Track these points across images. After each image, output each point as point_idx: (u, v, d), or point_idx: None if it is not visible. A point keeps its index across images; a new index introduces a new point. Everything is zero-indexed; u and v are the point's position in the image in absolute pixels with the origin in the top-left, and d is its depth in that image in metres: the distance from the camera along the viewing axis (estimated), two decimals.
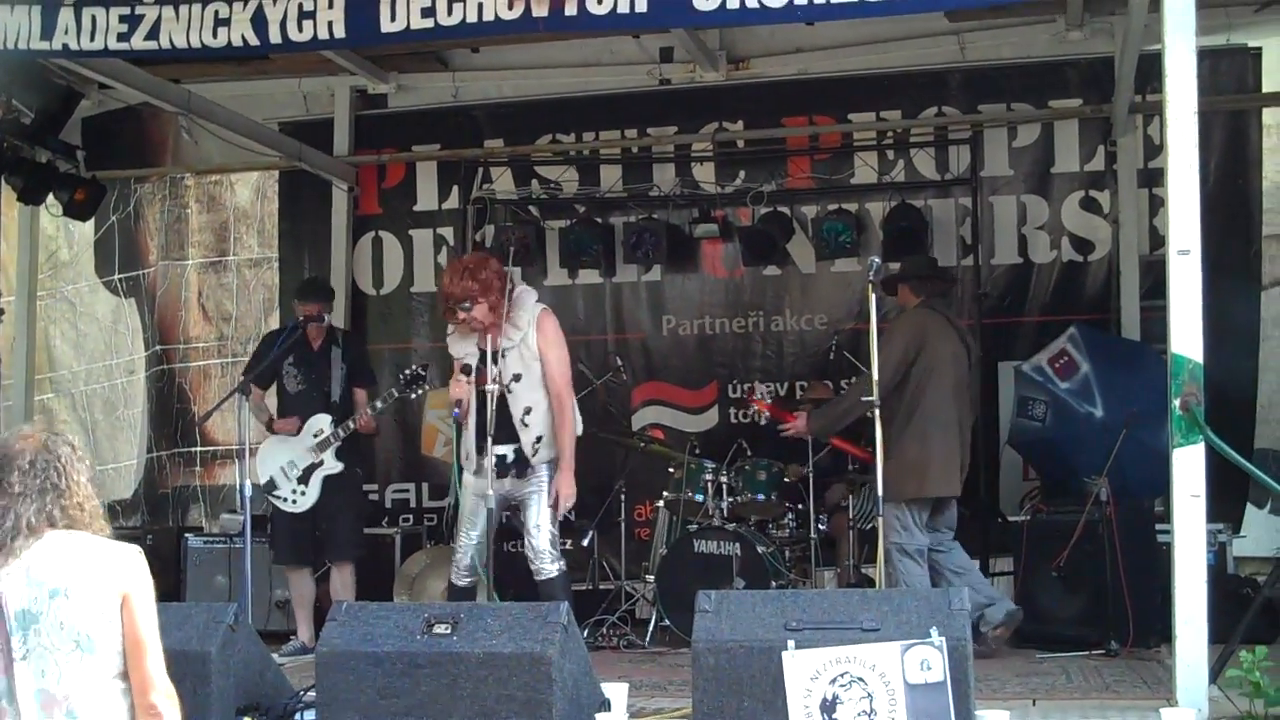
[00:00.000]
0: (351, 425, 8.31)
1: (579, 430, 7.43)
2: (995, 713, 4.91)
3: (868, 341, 6.77)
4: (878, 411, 6.79)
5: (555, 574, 7.20)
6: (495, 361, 7.12)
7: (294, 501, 8.35)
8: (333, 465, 8.32)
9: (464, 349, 7.30)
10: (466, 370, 7.17)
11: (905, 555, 7.65)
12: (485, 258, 7.37)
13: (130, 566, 3.62)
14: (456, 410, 7.24)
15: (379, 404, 8.38)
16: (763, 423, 8.60)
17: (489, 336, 7.16)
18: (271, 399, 8.66)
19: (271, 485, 8.36)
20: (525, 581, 7.46)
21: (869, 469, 7.74)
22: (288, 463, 8.35)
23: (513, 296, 7.30)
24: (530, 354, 7.23)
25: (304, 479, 8.32)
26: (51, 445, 3.68)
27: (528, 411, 7.21)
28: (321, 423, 8.35)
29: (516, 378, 7.17)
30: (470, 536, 7.25)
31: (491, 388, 7.07)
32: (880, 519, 6.75)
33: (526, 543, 7.31)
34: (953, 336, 7.98)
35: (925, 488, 7.69)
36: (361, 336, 9.30)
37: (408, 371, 8.16)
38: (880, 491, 6.63)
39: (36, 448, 3.67)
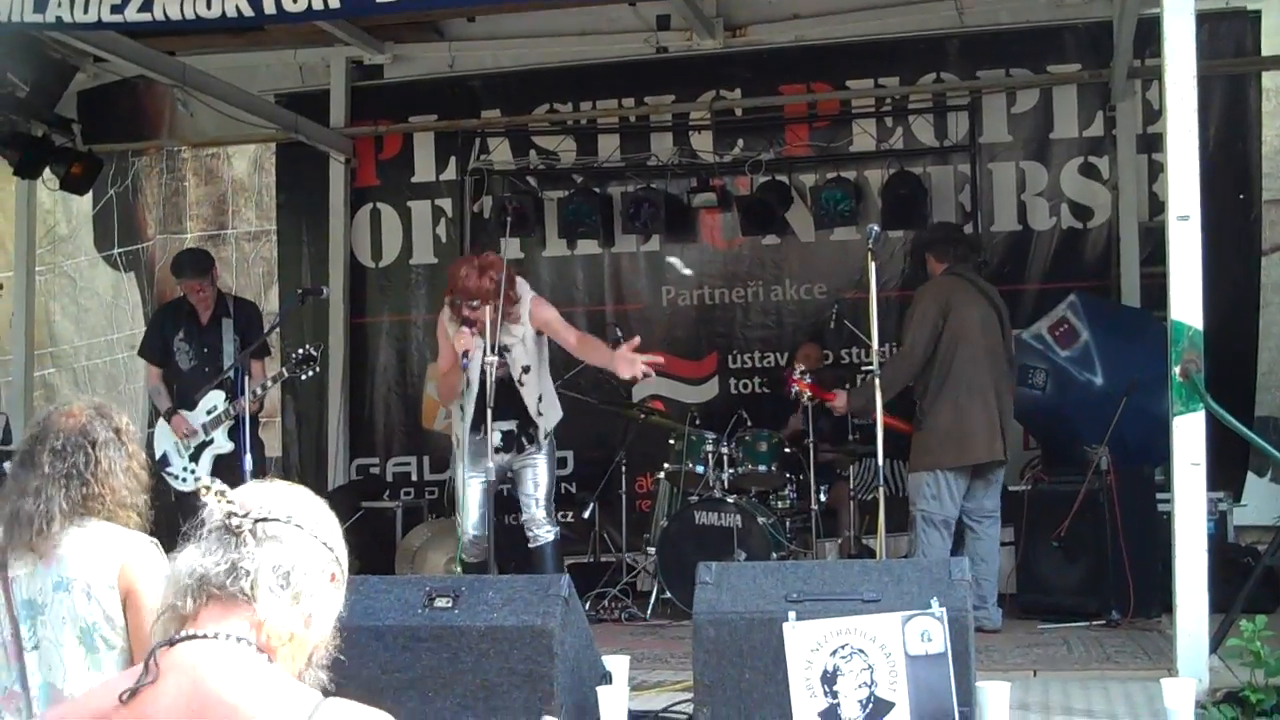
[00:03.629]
0: (234, 410, 7.98)
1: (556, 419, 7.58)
2: (996, 683, 4.90)
3: (867, 310, 6.75)
4: (877, 380, 6.79)
5: (548, 539, 7.35)
6: (498, 353, 7.18)
7: (184, 480, 8.13)
8: (223, 444, 8.06)
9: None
10: (468, 323, 7.22)
11: (930, 524, 7.63)
12: (499, 259, 7.35)
13: (140, 561, 3.49)
14: (466, 360, 7.25)
15: (266, 384, 8.17)
16: (806, 402, 8.44)
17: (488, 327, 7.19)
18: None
19: (164, 461, 8.17)
20: (526, 554, 7.54)
21: (872, 439, 7.78)
22: (181, 440, 8.17)
23: (515, 286, 7.33)
24: (533, 342, 7.32)
25: (194, 457, 8.13)
26: (89, 429, 3.56)
27: (526, 370, 7.32)
28: (215, 399, 8.08)
29: (526, 369, 7.30)
30: (468, 526, 7.33)
31: (490, 363, 7.08)
32: (903, 486, 6.72)
33: (524, 511, 7.43)
34: (980, 300, 7.93)
35: (965, 454, 7.65)
36: (253, 304, 8.97)
37: (299, 351, 7.96)
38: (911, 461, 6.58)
39: (73, 429, 3.55)
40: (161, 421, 8.31)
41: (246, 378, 7.69)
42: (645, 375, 7.40)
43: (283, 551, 2.30)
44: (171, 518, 9.41)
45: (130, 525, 3.57)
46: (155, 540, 3.58)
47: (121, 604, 3.46)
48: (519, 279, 7.55)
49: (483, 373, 7.12)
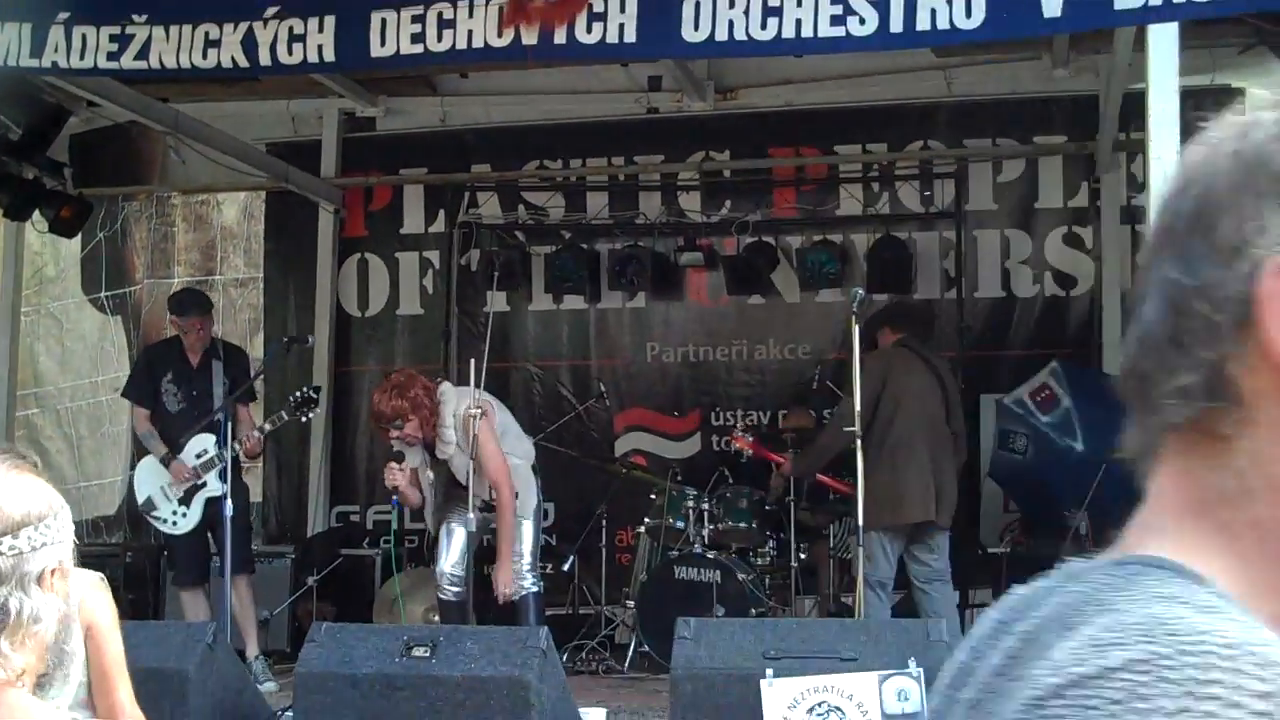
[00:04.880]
0: (237, 448, 7.97)
1: (531, 504, 7.53)
2: None
3: (849, 371, 6.81)
4: (859, 443, 6.84)
5: (525, 592, 7.38)
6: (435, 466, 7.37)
7: (173, 524, 8.05)
8: (215, 487, 7.93)
9: (412, 454, 7.45)
10: (399, 457, 7.31)
11: (867, 585, 7.66)
12: (413, 375, 7.41)
13: (93, 596, 3.54)
14: (394, 499, 7.44)
15: (267, 426, 8.13)
16: (743, 460, 8.64)
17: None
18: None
19: (150, 505, 8.11)
20: (505, 605, 7.53)
21: (850, 500, 7.83)
22: (168, 484, 8.06)
23: (440, 399, 7.34)
24: (468, 448, 7.32)
25: (185, 500, 8.03)
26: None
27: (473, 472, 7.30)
28: (204, 443, 7.97)
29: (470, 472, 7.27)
30: (445, 566, 7.42)
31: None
32: (860, 549, 6.79)
33: None
34: (922, 371, 7.99)
35: (900, 514, 7.68)
36: (242, 350, 8.95)
37: (298, 394, 8.05)
38: (860, 520, 6.65)
39: None
40: (148, 463, 8.20)
41: (230, 423, 7.67)
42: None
43: None
44: (155, 560, 9.45)
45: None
46: (101, 575, 3.65)
47: (83, 637, 3.48)
48: (446, 386, 7.52)
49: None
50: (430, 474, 7.53)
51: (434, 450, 7.36)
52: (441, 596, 7.49)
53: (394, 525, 8.11)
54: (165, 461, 8.04)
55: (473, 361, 7.13)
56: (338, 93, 10.49)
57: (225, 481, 7.60)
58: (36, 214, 10.37)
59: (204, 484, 8.00)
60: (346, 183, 10.93)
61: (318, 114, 10.91)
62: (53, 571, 2.05)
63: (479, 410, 7.09)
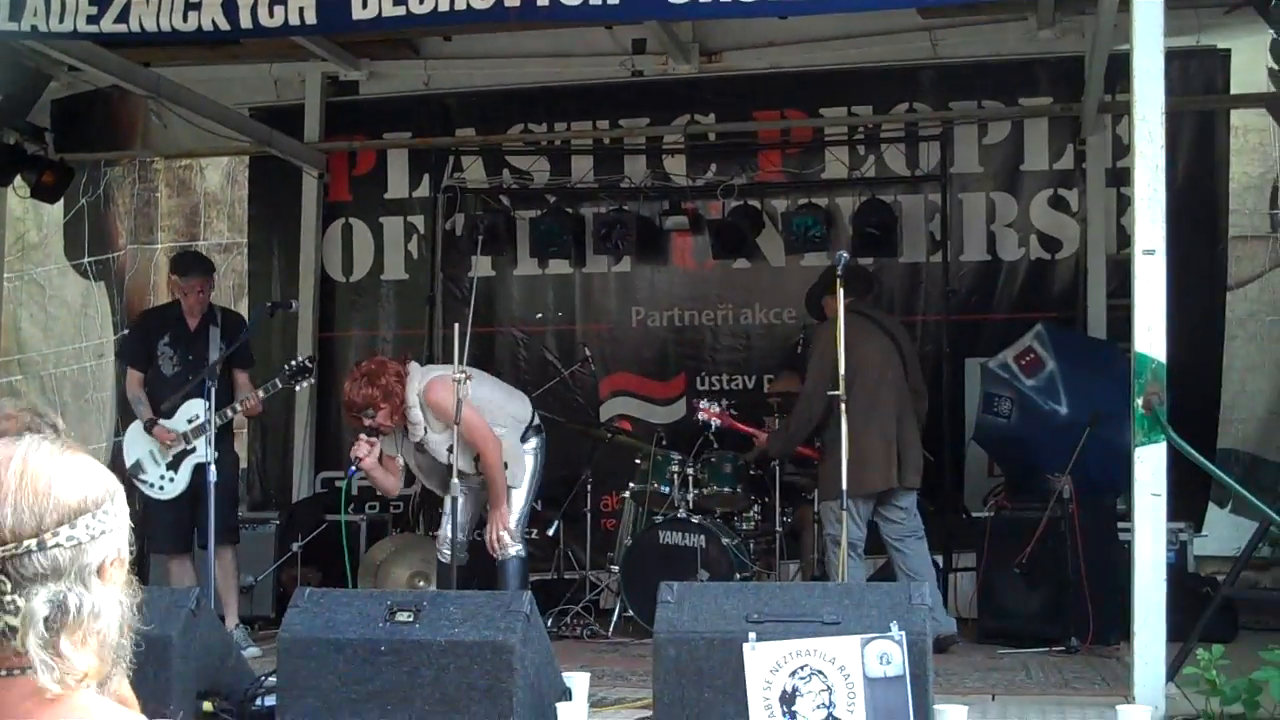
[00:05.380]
0: (230, 414, 7.98)
1: (521, 475, 7.58)
2: (954, 707, 4.94)
3: (827, 329, 6.79)
4: (843, 405, 6.83)
5: (510, 556, 7.44)
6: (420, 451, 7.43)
7: (160, 488, 7.97)
8: (204, 453, 7.74)
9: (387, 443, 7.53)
10: (371, 432, 7.32)
11: (836, 546, 7.66)
12: (384, 362, 7.41)
13: None
14: (353, 469, 7.46)
15: (262, 393, 8.04)
16: (711, 432, 8.63)
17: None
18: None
19: (138, 468, 8.03)
20: (490, 570, 7.56)
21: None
22: (157, 447, 8.00)
23: (403, 382, 7.35)
24: (438, 425, 7.34)
25: (174, 465, 7.97)
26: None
27: (451, 450, 7.23)
28: (196, 407, 7.81)
29: (450, 449, 7.20)
30: (445, 529, 7.49)
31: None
32: (844, 513, 6.79)
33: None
34: (877, 334, 7.98)
35: (864, 483, 7.64)
36: (240, 316, 8.78)
37: (293, 362, 8.03)
38: (819, 490, 6.67)
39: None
40: (136, 427, 8.15)
41: (212, 386, 7.59)
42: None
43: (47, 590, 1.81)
44: (138, 524, 9.43)
45: None
46: None
47: None
48: (412, 366, 7.48)
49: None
50: (418, 456, 7.57)
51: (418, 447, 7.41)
52: (441, 559, 7.57)
53: (350, 492, 8.03)
54: (148, 426, 7.99)
55: (457, 326, 7.09)
56: (320, 56, 10.43)
57: (210, 447, 7.47)
58: (18, 179, 10.31)
59: (193, 449, 7.92)
60: (330, 147, 10.88)
61: (300, 78, 10.85)
62: (112, 562, 1.94)
63: (463, 374, 7.07)
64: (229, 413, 8.00)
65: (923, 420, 8.23)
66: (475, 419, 7.26)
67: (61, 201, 11.08)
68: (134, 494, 8.21)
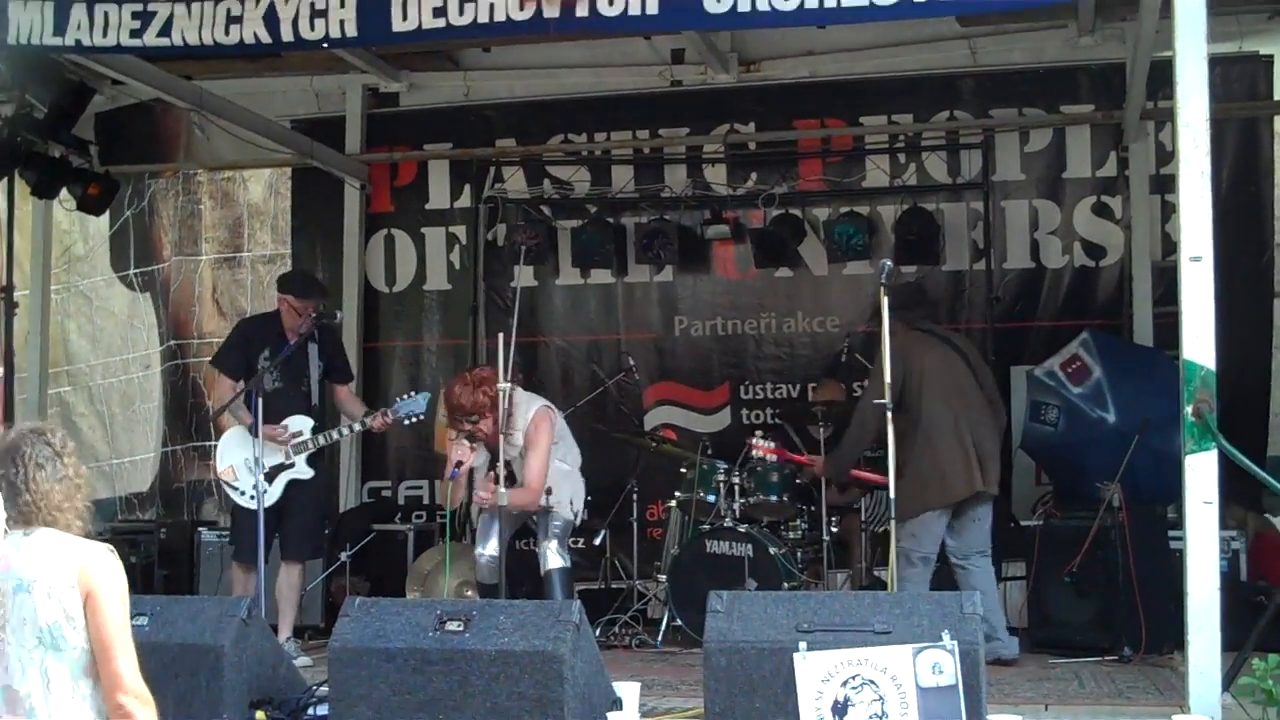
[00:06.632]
0: (347, 432, 8.14)
1: (579, 508, 7.85)
2: (1007, 717, 4.91)
3: (879, 344, 6.78)
4: (889, 414, 6.81)
5: (553, 567, 7.59)
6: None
7: (251, 497, 7.82)
8: (303, 470, 7.97)
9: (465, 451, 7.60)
10: (470, 437, 7.43)
11: (909, 562, 7.63)
12: (496, 372, 7.34)
13: (95, 566, 3.61)
14: (455, 470, 7.49)
15: (368, 421, 8.05)
16: (769, 463, 8.60)
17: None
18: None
19: (230, 475, 8.00)
20: (538, 579, 7.60)
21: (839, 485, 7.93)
22: (253, 456, 7.81)
23: (512, 401, 7.39)
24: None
25: (269, 477, 7.89)
26: (21, 443, 3.73)
27: (548, 491, 7.54)
28: (301, 425, 7.96)
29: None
30: (484, 548, 7.60)
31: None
32: (893, 521, 6.74)
33: (538, 540, 7.72)
34: (940, 345, 7.95)
35: (945, 494, 7.64)
36: (336, 331, 8.82)
37: (407, 395, 8.05)
38: (894, 508, 6.62)
39: (4, 447, 3.73)
40: (234, 433, 8.04)
41: (324, 402, 7.82)
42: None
43: None
44: (189, 536, 9.46)
45: (73, 530, 3.72)
46: (110, 547, 3.72)
47: (82, 605, 3.56)
48: (519, 391, 7.60)
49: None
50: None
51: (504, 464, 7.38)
52: (480, 580, 7.66)
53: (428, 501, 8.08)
54: (253, 430, 7.74)
55: (501, 336, 7.13)
56: (361, 68, 10.50)
57: (319, 463, 7.78)
58: (64, 192, 10.38)
59: (291, 464, 7.95)
60: (371, 158, 10.94)
61: (341, 90, 10.92)
62: None
63: (509, 386, 7.14)
64: (345, 430, 8.16)
65: (1001, 430, 8.12)
66: (545, 454, 7.50)
67: (107, 214, 11.15)
68: (217, 501, 8.23)
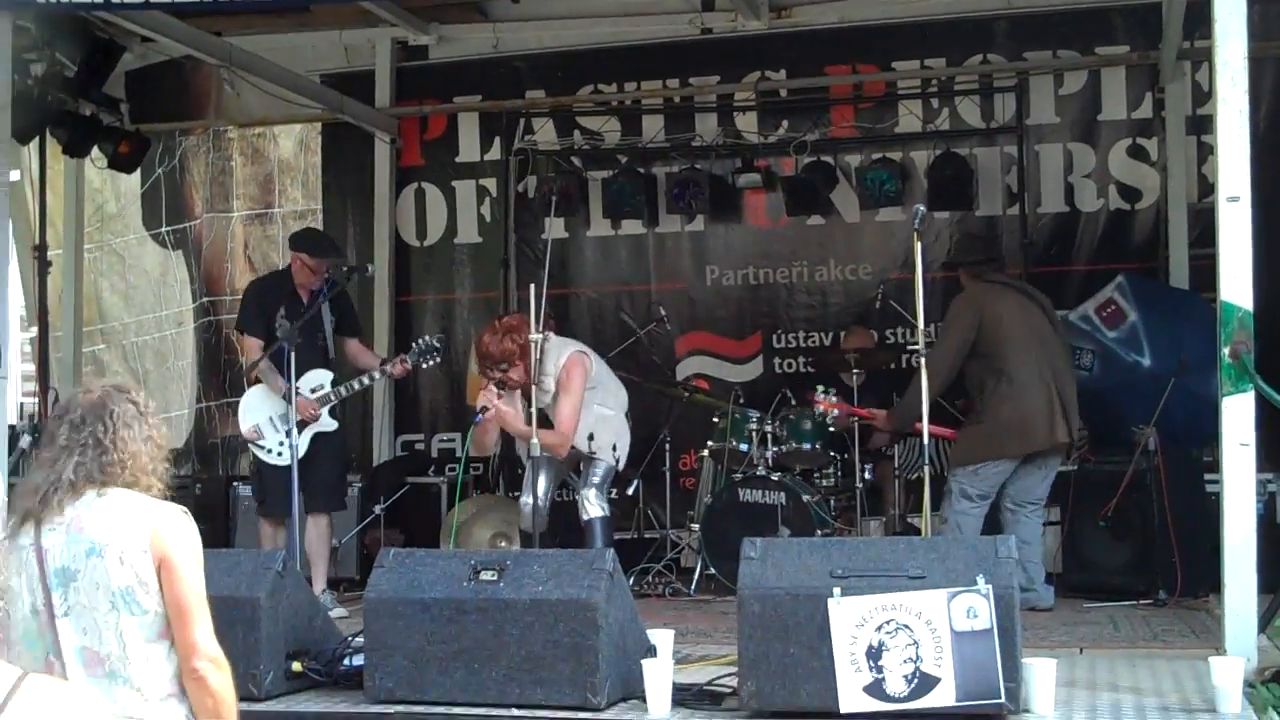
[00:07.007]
0: (368, 381, 8.13)
1: (621, 454, 7.88)
2: (1043, 660, 4.90)
3: (913, 290, 6.74)
4: (923, 360, 6.77)
5: (593, 516, 7.64)
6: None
7: (279, 454, 7.88)
8: (328, 423, 8.01)
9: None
10: (501, 385, 7.42)
11: (965, 496, 7.60)
12: (524, 319, 7.31)
13: (170, 529, 3.53)
14: (480, 415, 7.41)
15: (387, 368, 8.09)
16: (831, 423, 8.50)
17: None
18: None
19: (256, 433, 8.02)
20: (573, 529, 7.63)
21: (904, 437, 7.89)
22: (279, 414, 7.91)
23: (544, 349, 7.37)
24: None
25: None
26: (107, 402, 3.63)
27: (590, 437, 7.61)
28: (321, 378, 7.99)
29: (591, 436, 7.57)
30: (528, 496, 7.57)
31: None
32: (927, 468, 6.70)
33: (578, 490, 7.79)
34: (1015, 295, 7.91)
35: (1026, 443, 7.60)
36: (343, 287, 8.66)
37: (422, 341, 8.09)
38: (925, 439, 6.56)
39: (91, 403, 3.62)
40: (256, 392, 8.08)
41: (291, 352, 7.60)
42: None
43: None
44: (225, 490, 9.54)
45: (152, 493, 3.62)
46: (184, 509, 3.63)
47: (155, 569, 3.49)
48: (551, 337, 7.58)
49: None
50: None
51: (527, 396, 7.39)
52: (523, 527, 7.67)
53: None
54: (288, 396, 7.71)
55: (532, 288, 7.12)
56: (389, 21, 10.46)
57: (336, 418, 7.83)
58: (95, 150, 10.41)
59: (317, 418, 7.98)
60: (401, 112, 10.91)
61: (370, 44, 10.89)
62: None
63: (541, 336, 7.13)
64: (366, 380, 8.14)
65: (1074, 376, 8.04)
66: (577, 399, 7.49)
67: (138, 172, 11.19)
68: (247, 458, 8.30)
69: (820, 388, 8.44)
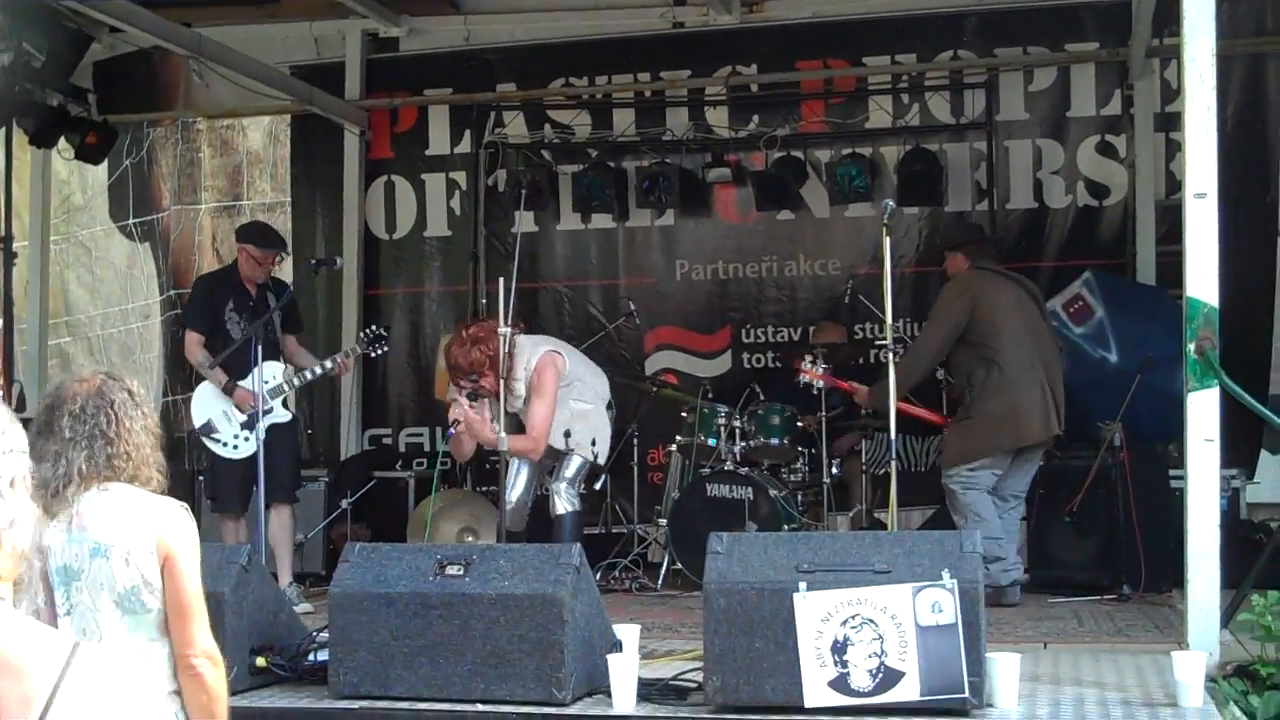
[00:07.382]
0: (311, 375, 8.08)
1: (600, 450, 7.83)
2: (1007, 655, 4.91)
3: (882, 285, 6.75)
4: (892, 356, 6.79)
5: (563, 511, 7.62)
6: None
7: (234, 447, 7.90)
8: (281, 414, 7.99)
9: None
10: (473, 397, 7.40)
11: (971, 488, 7.60)
12: (490, 329, 7.31)
13: (174, 528, 3.48)
14: (451, 430, 7.44)
15: (340, 358, 8.14)
16: (815, 393, 8.46)
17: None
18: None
19: (209, 428, 7.99)
20: (541, 525, 7.62)
21: (883, 416, 7.77)
22: (231, 407, 7.91)
23: (513, 352, 7.37)
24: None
25: (248, 425, 7.85)
26: (106, 390, 3.54)
27: (567, 434, 7.59)
28: (273, 370, 7.94)
29: (568, 433, 7.56)
30: (511, 498, 7.60)
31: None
32: (915, 461, 6.71)
33: (549, 484, 7.76)
34: (1010, 285, 7.89)
35: (1019, 436, 7.60)
36: (285, 283, 8.73)
37: (369, 330, 8.13)
38: (893, 433, 6.57)
39: (89, 392, 3.53)
40: (206, 387, 8.05)
41: (281, 354, 7.77)
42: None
43: None
44: (191, 485, 9.52)
45: (152, 486, 3.55)
46: (185, 505, 3.58)
47: (160, 569, 3.45)
48: (520, 337, 7.55)
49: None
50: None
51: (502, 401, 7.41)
52: (510, 527, 7.62)
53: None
54: (229, 390, 7.84)
55: (501, 282, 7.11)
56: (360, 13, 10.43)
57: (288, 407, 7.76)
58: (62, 141, 10.35)
59: (270, 410, 7.91)
60: (371, 104, 10.88)
61: (340, 35, 10.85)
62: (20, 479, 2.03)
63: (509, 330, 7.11)
64: (314, 371, 8.10)
65: (1062, 369, 8.02)
66: (550, 402, 7.47)
67: (105, 163, 11.13)
68: (202, 453, 8.28)
69: (809, 357, 8.40)
